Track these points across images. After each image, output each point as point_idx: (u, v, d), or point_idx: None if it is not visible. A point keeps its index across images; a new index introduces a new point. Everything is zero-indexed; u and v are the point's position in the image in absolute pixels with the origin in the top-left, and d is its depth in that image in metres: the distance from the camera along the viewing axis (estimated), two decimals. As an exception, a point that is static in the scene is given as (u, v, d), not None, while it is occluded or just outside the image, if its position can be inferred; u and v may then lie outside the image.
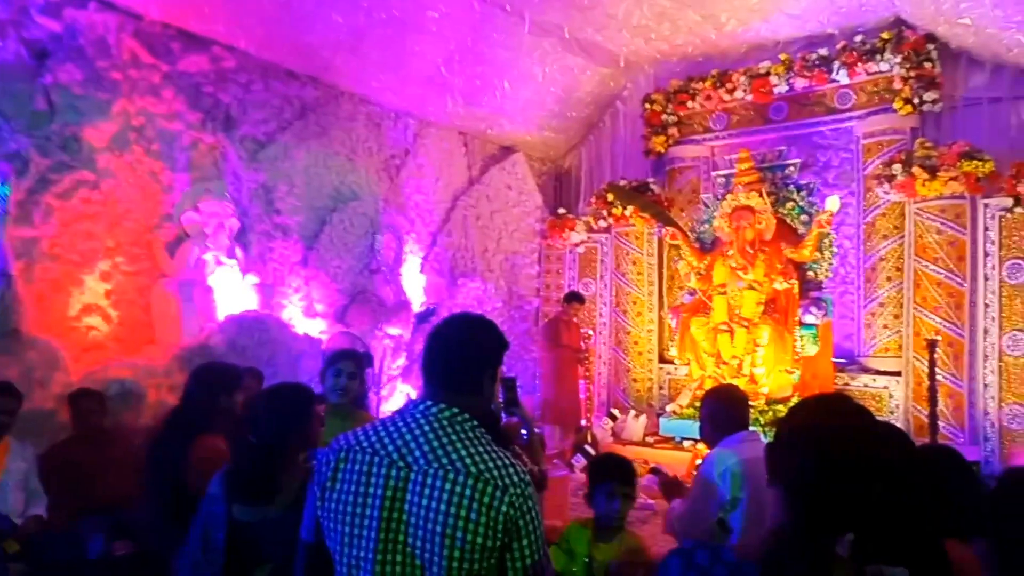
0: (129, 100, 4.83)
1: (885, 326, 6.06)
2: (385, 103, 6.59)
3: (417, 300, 6.64)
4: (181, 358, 4.39)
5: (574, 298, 6.81)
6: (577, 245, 7.58)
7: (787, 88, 6.66)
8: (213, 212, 5.12)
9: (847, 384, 6.06)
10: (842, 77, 6.38)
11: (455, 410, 1.44)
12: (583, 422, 6.61)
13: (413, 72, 6.39)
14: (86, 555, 3.23)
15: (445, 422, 1.42)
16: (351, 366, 2.95)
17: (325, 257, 5.94)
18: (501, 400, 2.10)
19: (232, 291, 5.11)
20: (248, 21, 5.29)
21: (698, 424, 2.79)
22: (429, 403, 1.46)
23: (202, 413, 2.90)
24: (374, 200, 6.38)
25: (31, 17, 4.47)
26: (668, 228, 6.57)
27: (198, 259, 5.00)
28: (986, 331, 5.53)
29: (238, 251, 5.27)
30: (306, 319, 5.65)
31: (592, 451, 5.93)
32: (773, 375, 5.93)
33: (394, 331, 6.07)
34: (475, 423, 1.45)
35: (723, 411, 2.65)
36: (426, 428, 1.42)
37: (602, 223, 7.38)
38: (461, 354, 1.50)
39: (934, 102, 5.95)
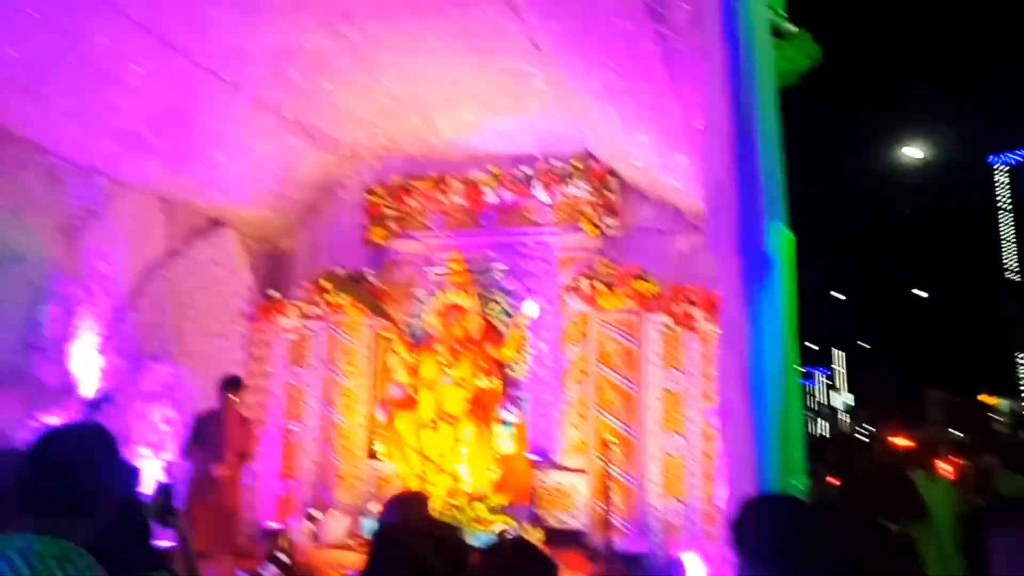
0: None
1: (573, 425, 6.58)
2: (68, 155, 5.79)
3: (90, 385, 5.74)
4: None
5: (233, 385, 5.96)
6: (288, 331, 7.22)
7: (496, 198, 7.18)
8: None
9: (542, 481, 6.39)
10: (541, 195, 7.05)
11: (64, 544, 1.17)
12: (277, 525, 6.10)
13: (107, 126, 5.74)
14: None
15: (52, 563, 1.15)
16: None
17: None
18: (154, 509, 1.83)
19: None
20: None
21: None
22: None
23: None
24: (43, 264, 5.47)
25: None
26: (382, 320, 6.54)
27: None
28: (652, 432, 6.23)
29: None
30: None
31: (287, 559, 5.46)
32: (476, 473, 6.07)
33: (54, 420, 5.13)
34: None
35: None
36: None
37: (316, 310, 7.14)
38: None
39: (614, 227, 6.83)
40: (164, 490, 1.88)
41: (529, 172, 7.08)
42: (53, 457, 1.26)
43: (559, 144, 7.01)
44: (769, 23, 2.91)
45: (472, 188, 7.19)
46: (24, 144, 5.43)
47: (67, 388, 5.49)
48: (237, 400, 5.89)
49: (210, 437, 5.69)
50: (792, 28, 3.17)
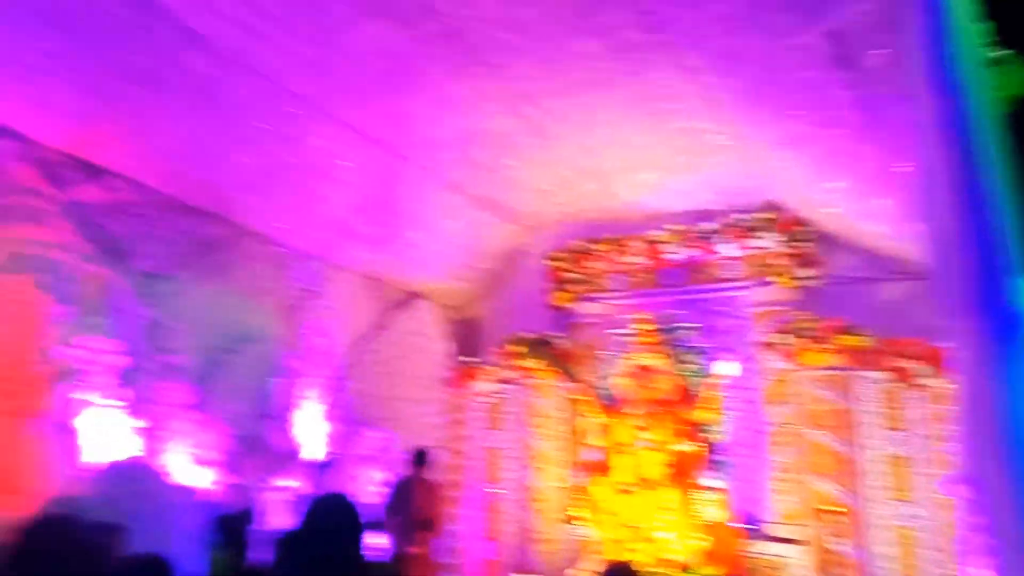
0: (13, 226, 4.57)
1: (783, 492, 6.12)
2: (290, 245, 6.54)
3: (314, 450, 6.29)
4: (47, 508, 3.90)
5: (420, 459, 6.23)
6: (484, 395, 7.50)
7: (679, 256, 7.08)
8: (96, 349, 4.78)
9: (754, 553, 5.97)
10: (726, 250, 6.85)
11: None
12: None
13: (321, 216, 6.42)
14: None
15: None
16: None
17: (219, 401, 5.60)
18: None
19: (111, 435, 4.68)
20: (149, 155, 5.22)
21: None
22: None
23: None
24: (273, 342, 6.16)
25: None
26: (572, 383, 6.61)
27: (73, 399, 4.59)
28: (875, 500, 5.65)
29: (121, 392, 4.88)
30: (194, 467, 5.22)
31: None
32: (682, 541, 5.84)
33: (288, 483, 5.68)
34: None
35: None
36: None
37: (509, 374, 7.37)
38: None
39: (811, 278, 6.46)
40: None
41: (711, 228, 6.94)
42: (325, 523, 1.40)
43: (741, 197, 6.83)
44: (980, 52, 2.72)
45: (652, 247, 7.16)
46: (255, 237, 6.22)
47: (293, 453, 6.05)
48: (425, 474, 6.14)
49: (401, 509, 5.98)
50: (1001, 52, 2.94)
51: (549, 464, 7.00)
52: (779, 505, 6.12)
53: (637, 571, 2.93)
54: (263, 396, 6.05)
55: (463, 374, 7.50)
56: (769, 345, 6.22)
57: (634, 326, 6.82)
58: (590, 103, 5.43)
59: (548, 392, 7.11)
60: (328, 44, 4.74)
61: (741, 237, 6.74)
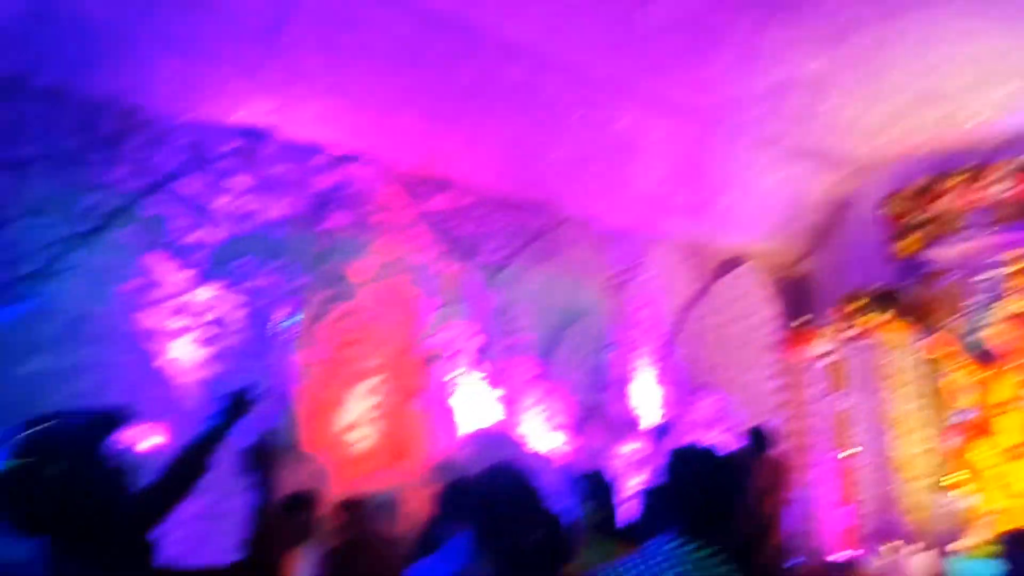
0: (386, 239, 5.48)
1: None
2: (608, 224, 6.82)
3: (651, 416, 6.54)
4: (432, 472, 4.69)
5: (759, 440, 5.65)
6: (822, 357, 7.07)
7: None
8: (456, 334, 5.56)
9: None
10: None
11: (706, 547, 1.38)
12: (844, 556, 5.89)
13: (634, 193, 6.58)
14: None
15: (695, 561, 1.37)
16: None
17: (560, 373, 6.12)
18: None
19: (475, 407, 5.43)
20: (483, 161, 5.84)
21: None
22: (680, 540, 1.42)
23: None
24: (602, 317, 6.51)
25: (312, 175, 5.29)
26: (930, 338, 5.91)
27: (444, 377, 5.40)
28: None
29: (480, 368, 5.61)
30: (545, 433, 5.79)
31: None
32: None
33: (629, 448, 5.99)
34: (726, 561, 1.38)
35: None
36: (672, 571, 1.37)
37: (849, 333, 6.84)
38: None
39: None
40: None
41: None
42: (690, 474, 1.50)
43: None
44: None
45: (1021, 175, 6.07)
46: (575, 223, 6.61)
47: (633, 421, 6.34)
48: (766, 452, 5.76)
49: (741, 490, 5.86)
50: None
51: (910, 427, 6.35)
52: None
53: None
54: (599, 367, 6.43)
55: (798, 336, 7.15)
56: None
57: (1007, 267, 5.86)
58: (926, 18, 4.77)
59: (900, 349, 6.46)
60: (625, 24, 4.85)
61: None
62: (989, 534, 5.09)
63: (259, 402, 1.87)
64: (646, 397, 6.56)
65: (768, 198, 7.12)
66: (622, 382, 6.47)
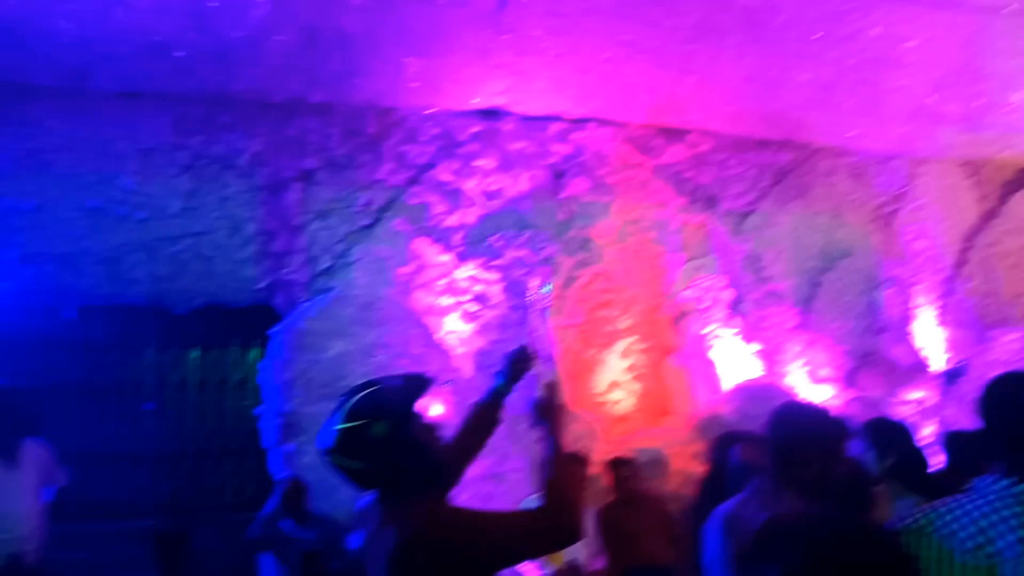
0: (625, 198, 5.48)
1: None
2: (866, 150, 6.17)
3: (937, 358, 5.87)
4: (698, 428, 4.65)
5: None
6: None
7: None
8: (707, 287, 5.42)
9: None
10: None
11: None
12: None
13: (894, 111, 5.87)
14: None
15: None
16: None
17: (823, 320, 5.71)
18: None
19: (733, 361, 5.26)
20: (718, 103, 5.56)
21: None
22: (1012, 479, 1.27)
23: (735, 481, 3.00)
24: (869, 254, 5.95)
25: (548, 146, 5.44)
26: None
27: (698, 333, 5.31)
28: None
29: (734, 322, 5.42)
30: (811, 385, 5.46)
31: None
32: None
33: (915, 395, 5.44)
34: None
35: None
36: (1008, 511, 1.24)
37: None
38: None
39: None
40: None
41: None
42: None
43: None
44: None
45: None
46: (828, 152, 6.07)
47: (918, 364, 5.74)
48: None
49: None
50: None
51: None
52: None
53: None
54: (870, 310, 5.89)
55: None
56: None
57: None
58: None
59: None
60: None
61: None
62: None
63: (536, 361, 1.98)
64: (929, 338, 5.89)
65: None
66: (900, 324, 5.86)
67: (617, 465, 4.20)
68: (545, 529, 1.56)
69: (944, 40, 5.45)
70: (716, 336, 5.37)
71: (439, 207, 5.07)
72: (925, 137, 6.07)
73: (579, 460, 1.75)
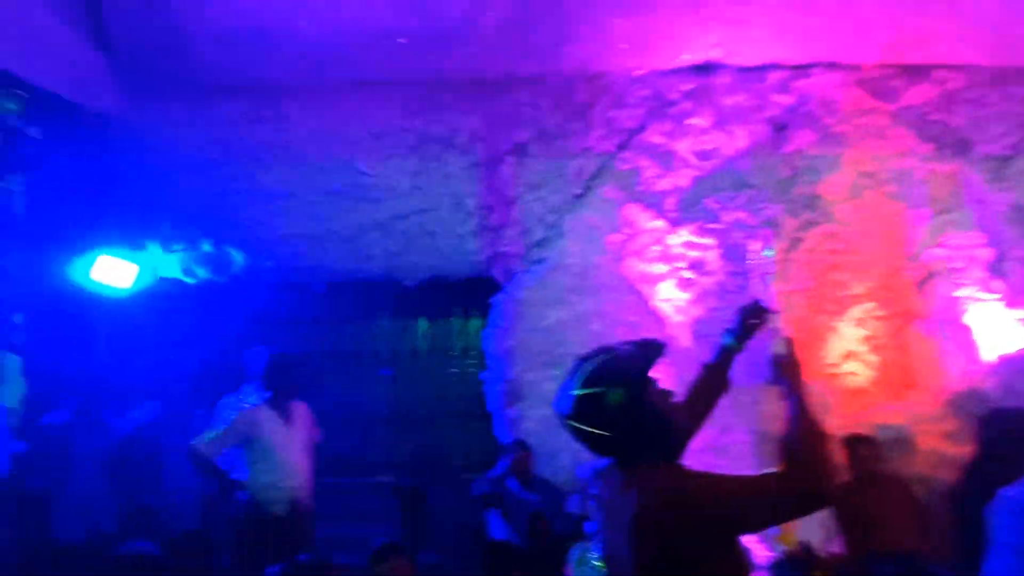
0: (857, 149, 4.97)
1: None
2: None
3: None
4: (951, 404, 4.16)
5: None
6: None
7: None
8: (959, 245, 4.78)
9: None
10: None
11: None
12: None
13: None
14: None
15: None
16: None
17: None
18: None
19: (994, 329, 4.63)
20: (969, 31, 4.83)
21: None
22: None
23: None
24: None
25: (768, 98, 5.07)
26: None
27: (950, 297, 4.71)
28: None
29: (994, 284, 4.75)
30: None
31: None
32: None
33: None
34: None
35: None
36: None
37: None
38: None
39: None
40: None
41: None
42: None
43: None
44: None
45: None
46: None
47: None
48: None
49: None
50: None
51: None
52: None
53: None
54: None
55: None
56: None
57: None
58: None
59: None
60: None
61: None
62: None
63: (770, 317, 1.87)
64: None
65: None
66: None
67: (855, 443, 3.90)
68: (791, 490, 1.49)
69: None
70: (972, 300, 4.73)
71: (651, 171, 4.94)
72: None
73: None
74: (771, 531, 3.63)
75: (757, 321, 1.88)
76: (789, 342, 1.74)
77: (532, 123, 4.87)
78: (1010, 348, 4.58)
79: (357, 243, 4.78)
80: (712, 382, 1.92)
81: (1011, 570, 1.99)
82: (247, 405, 3.87)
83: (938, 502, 3.21)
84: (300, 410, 3.87)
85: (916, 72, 5.02)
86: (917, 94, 5.01)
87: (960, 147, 4.99)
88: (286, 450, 3.72)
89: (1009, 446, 2.84)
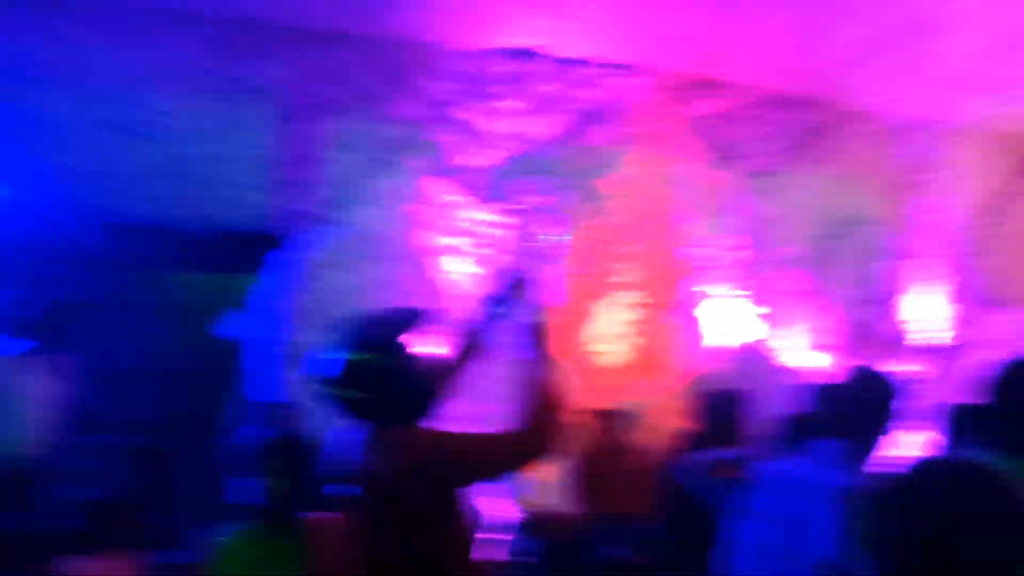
0: (650, 149, 5.42)
1: None
2: (895, 116, 6.03)
3: (938, 335, 5.94)
4: (690, 386, 4.78)
5: None
6: None
7: None
8: (722, 246, 5.46)
9: None
10: None
11: None
12: None
13: (932, 78, 5.69)
14: (602, 553, 3.81)
15: None
16: None
17: (832, 287, 5.75)
18: None
19: (738, 323, 5.37)
20: (758, 55, 5.40)
21: None
22: None
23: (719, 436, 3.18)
24: (885, 224, 5.92)
25: (578, 91, 5.34)
26: None
27: (706, 291, 5.38)
28: None
29: (744, 283, 5.48)
30: (812, 352, 5.58)
31: None
32: None
33: (912, 368, 5.54)
34: None
35: None
36: None
37: None
38: None
39: None
40: None
41: None
42: None
43: None
44: None
45: None
46: (856, 116, 5.91)
47: (899, 338, 5.80)
48: None
49: None
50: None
51: None
52: None
53: None
54: (880, 280, 5.91)
55: None
56: None
57: None
58: None
59: None
60: None
61: None
62: None
63: (532, 290, 1.96)
64: (926, 314, 5.94)
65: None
66: (905, 296, 5.90)
67: (603, 416, 4.36)
68: (517, 446, 1.65)
69: (993, 7, 5.22)
70: (725, 296, 5.44)
71: (457, 147, 5.05)
72: (957, 107, 5.90)
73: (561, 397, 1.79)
74: (516, 494, 4.03)
75: (521, 292, 1.95)
76: (545, 313, 1.87)
77: (345, 82, 4.76)
78: (752, 339, 5.36)
79: (139, 185, 4.37)
80: (470, 348, 2.00)
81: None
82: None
83: (662, 471, 3.69)
84: (57, 362, 3.61)
85: (710, 86, 5.54)
86: (709, 106, 5.54)
87: (733, 158, 5.62)
88: (29, 405, 3.47)
89: (727, 423, 3.36)
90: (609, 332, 5.26)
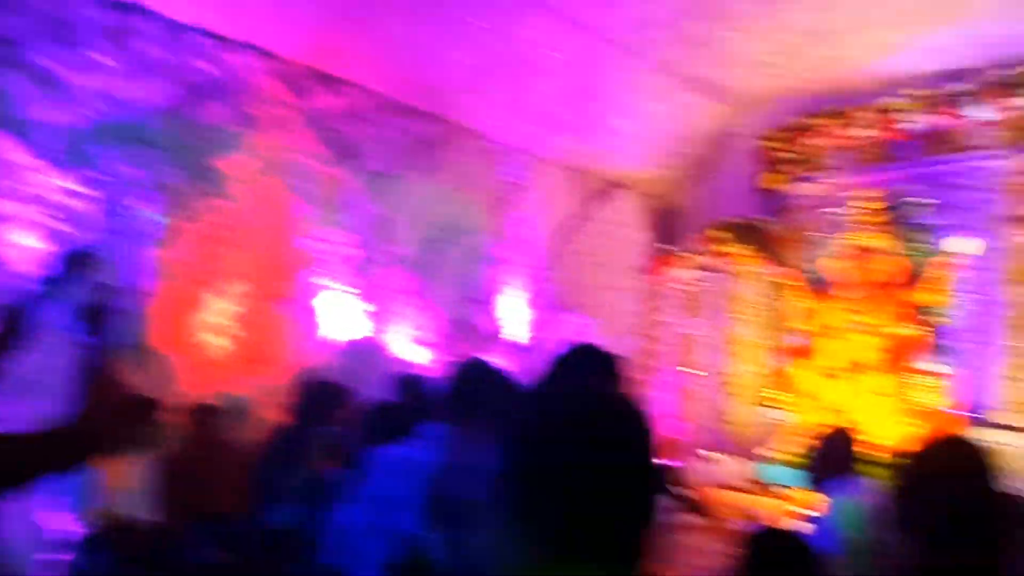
0: (264, 135, 5.26)
1: (1017, 379, 5.61)
2: (499, 139, 6.81)
3: (518, 332, 6.78)
4: (293, 380, 4.69)
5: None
6: (681, 282, 7.49)
7: (916, 125, 6.35)
8: (334, 242, 5.50)
9: (978, 440, 5.61)
10: (979, 114, 6.02)
11: None
12: (672, 463, 6.44)
13: (529, 109, 6.57)
14: (190, 559, 3.53)
15: None
16: None
17: (436, 288, 6.19)
18: None
19: (346, 318, 5.45)
20: (377, 60, 5.64)
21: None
22: None
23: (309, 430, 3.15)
24: (483, 233, 6.60)
25: (189, 61, 4.96)
26: (778, 268, 6.43)
27: (315, 286, 5.36)
28: None
29: (354, 280, 5.60)
30: (414, 347, 5.91)
31: (687, 493, 5.77)
32: (887, 426, 5.66)
33: (495, 360, 6.22)
34: None
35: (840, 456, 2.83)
36: None
37: (709, 261, 7.26)
38: None
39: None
40: None
41: (963, 89, 6.08)
42: None
43: (1004, 49, 5.83)
44: None
45: (884, 118, 6.47)
46: (469, 134, 6.54)
47: (496, 334, 6.55)
48: None
49: None
50: None
51: (747, 349, 6.92)
52: (1009, 392, 5.58)
53: (854, 438, 3.05)
54: (472, 283, 6.54)
55: (660, 261, 7.51)
56: (1020, 220, 5.53)
57: (854, 204, 6.37)
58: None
59: (750, 278, 6.93)
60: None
61: (1000, 97, 5.86)
62: (796, 444, 5.67)
63: (100, 266, 1.84)
64: (514, 314, 6.79)
65: (655, 125, 7.27)
66: (491, 298, 6.64)
67: (199, 411, 4.08)
68: (70, 442, 1.50)
69: (575, 57, 6.24)
70: (334, 291, 5.49)
71: (33, 99, 4.30)
72: (543, 139, 6.91)
73: (145, 405, 1.67)
74: (80, 504, 3.53)
75: (82, 271, 1.79)
76: (106, 290, 1.72)
77: None
78: (355, 335, 5.47)
79: None
80: (12, 326, 1.77)
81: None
82: None
83: (258, 465, 3.58)
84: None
85: (329, 81, 5.58)
86: (325, 101, 5.57)
87: (351, 157, 5.74)
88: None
89: (323, 413, 3.35)
90: (216, 322, 4.93)
